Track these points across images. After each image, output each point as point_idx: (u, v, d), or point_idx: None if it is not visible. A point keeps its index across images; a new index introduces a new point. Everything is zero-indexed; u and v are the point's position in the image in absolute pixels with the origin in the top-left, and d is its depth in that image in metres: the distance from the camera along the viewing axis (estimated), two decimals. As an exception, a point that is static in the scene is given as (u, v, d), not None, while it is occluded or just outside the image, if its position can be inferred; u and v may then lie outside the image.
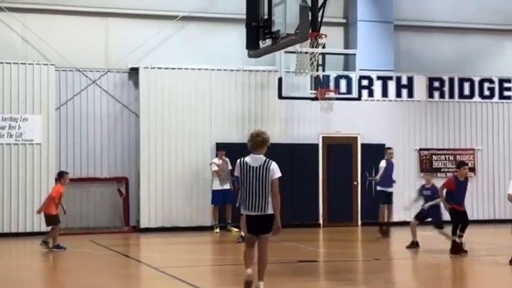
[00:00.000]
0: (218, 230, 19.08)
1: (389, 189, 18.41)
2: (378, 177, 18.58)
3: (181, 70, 20.19)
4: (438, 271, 12.96)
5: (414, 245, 15.09)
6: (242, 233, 14.25)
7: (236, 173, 9.96)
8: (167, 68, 20.09)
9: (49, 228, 15.66)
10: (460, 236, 14.22)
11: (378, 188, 18.61)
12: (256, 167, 9.77)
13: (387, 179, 18.43)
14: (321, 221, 20.76)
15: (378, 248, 16.14)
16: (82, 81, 20.03)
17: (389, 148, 18.82)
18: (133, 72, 20.23)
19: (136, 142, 20.11)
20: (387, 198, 18.39)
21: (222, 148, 19.08)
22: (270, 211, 9.76)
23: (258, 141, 9.91)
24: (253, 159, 9.84)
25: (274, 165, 9.81)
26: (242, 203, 9.89)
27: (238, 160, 10.00)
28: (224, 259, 14.51)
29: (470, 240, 14.42)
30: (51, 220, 15.54)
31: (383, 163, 18.51)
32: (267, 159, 9.85)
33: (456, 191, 14.42)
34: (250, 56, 14.44)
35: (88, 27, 20.20)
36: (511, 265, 12.55)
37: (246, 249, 9.98)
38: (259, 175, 9.73)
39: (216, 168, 18.92)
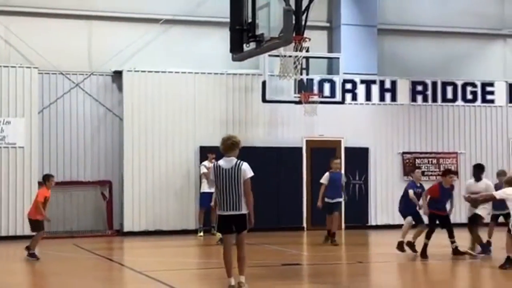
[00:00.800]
0: (202, 233, 19.05)
1: (335, 200, 16.97)
2: (319, 200, 16.98)
3: (164, 73, 20.16)
4: (421, 274, 13.01)
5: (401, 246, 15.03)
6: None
7: (211, 176, 10.44)
8: (151, 72, 20.05)
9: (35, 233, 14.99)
10: (453, 242, 14.37)
11: (326, 199, 16.95)
12: (229, 169, 10.23)
13: (333, 190, 16.94)
14: (305, 225, 20.78)
15: (362, 251, 16.17)
16: (65, 84, 19.96)
17: (336, 159, 17.70)
18: (117, 75, 20.18)
19: (119, 146, 20.06)
20: (333, 208, 16.99)
21: (212, 152, 18.86)
22: (244, 210, 10.22)
23: (228, 144, 10.38)
24: (226, 162, 10.33)
25: (245, 166, 10.28)
26: (218, 204, 10.35)
27: (212, 164, 10.52)
28: (208, 263, 14.47)
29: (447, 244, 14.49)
30: (37, 225, 14.83)
31: (325, 178, 17.02)
32: (239, 161, 10.32)
33: (440, 198, 14.53)
34: (234, 59, 14.44)
35: (71, 30, 20.13)
36: (500, 269, 12.56)
37: (224, 251, 10.34)
38: (232, 176, 10.19)
39: (205, 170, 18.78)
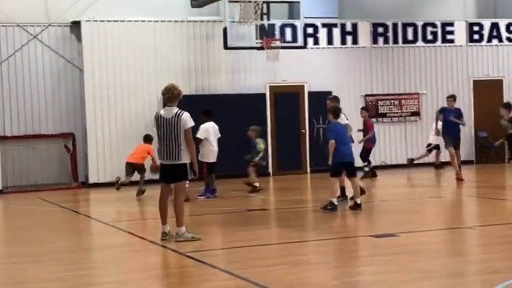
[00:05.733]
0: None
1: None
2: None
3: (124, 22, 19.90)
4: (385, 213, 13.20)
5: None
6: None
7: (154, 125, 10.45)
8: (110, 21, 19.78)
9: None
10: None
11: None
12: (169, 118, 10.19)
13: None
14: (270, 170, 20.90)
15: (327, 195, 16.31)
16: (23, 37, 19.61)
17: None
18: (75, 26, 19.87)
19: (81, 97, 19.87)
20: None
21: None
22: (183, 160, 10.19)
23: (175, 94, 10.29)
24: (167, 111, 10.29)
25: (185, 115, 10.22)
26: (159, 153, 10.40)
27: (155, 113, 10.55)
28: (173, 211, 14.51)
29: (416, 184, 14.72)
30: (143, 168, 16.77)
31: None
32: (179, 110, 10.25)
33: None
34: (193, 6, 14.39)
35: (26, -19, 19.72)
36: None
37: (160, 199, 10.48)
38: (171, 126, 10.16)
39: None
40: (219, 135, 15.77)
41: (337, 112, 13.34)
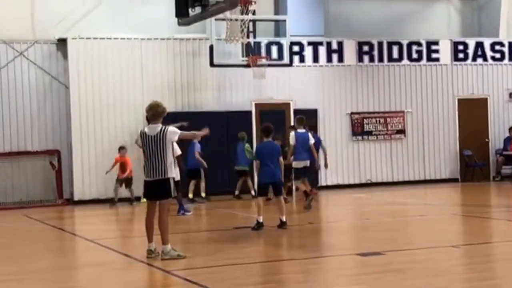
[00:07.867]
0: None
1: None
2: None
3: (110, 40, 19.92)
4: (370, 232, 13.23)
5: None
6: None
7: (139, 142, 10.52)
8: (96, 38, 19.80)
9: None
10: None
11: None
12: (154, 136, 10.25)
13: None
14: (256, 187, 20.83)
15: (312, 212, 16.34)
16: (9, 53, 19.60)
17: None
18: (61, 43, 19.87)
19: (67, 114, 19.84)
20: None
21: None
22: (169, 175, 10.27)
23: (160, 111, 10.36)
24: (151, 129, 10.33)
25: (170, 129, 10.33)
26: (144, 169, 10.45)
27: (139, 131, 10.58)
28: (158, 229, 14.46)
29: (402, 202, 14.74)
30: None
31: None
32: (164, 127, 10.31)
33: None
34: (180, 24, 14.41)
35: (13, -2, 19.73)
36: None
37: (146, 216, 10.51)
38: (157, 143, 10.22)
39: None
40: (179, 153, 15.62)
41: (266, 131, 13.43)
